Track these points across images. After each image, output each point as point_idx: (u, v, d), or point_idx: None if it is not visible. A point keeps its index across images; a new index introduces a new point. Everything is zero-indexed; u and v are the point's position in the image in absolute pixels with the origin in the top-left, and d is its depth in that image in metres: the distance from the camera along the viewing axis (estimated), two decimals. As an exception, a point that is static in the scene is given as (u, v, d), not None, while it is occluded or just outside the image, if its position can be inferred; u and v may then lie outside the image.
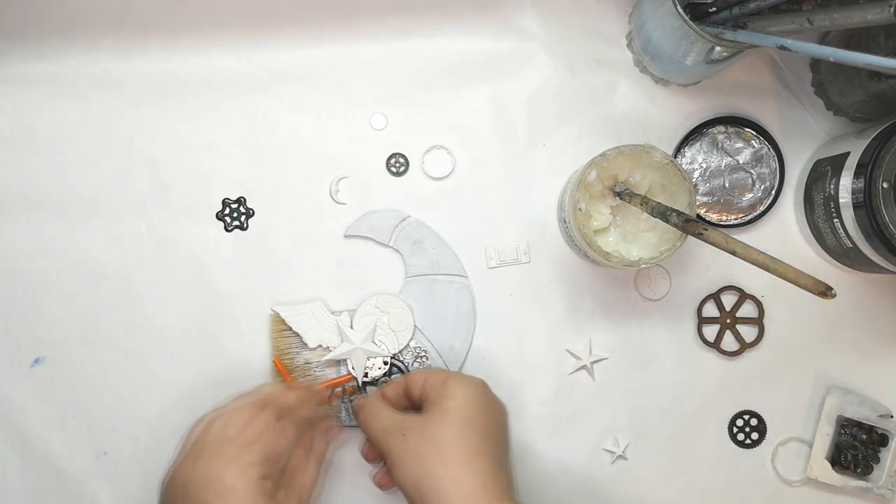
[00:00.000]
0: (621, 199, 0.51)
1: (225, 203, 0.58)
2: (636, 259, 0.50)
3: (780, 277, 0.40)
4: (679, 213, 0.46)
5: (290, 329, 0.57)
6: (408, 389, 0.53)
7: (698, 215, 0.57)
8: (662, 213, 0.47)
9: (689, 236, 0.49)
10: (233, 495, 0.45)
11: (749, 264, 0.57)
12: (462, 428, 0.48)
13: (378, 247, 0.58)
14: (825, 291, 0.38)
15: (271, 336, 0.57)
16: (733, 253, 0.43)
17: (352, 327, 0.57)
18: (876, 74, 0.50)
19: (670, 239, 0.50)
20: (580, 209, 0.50)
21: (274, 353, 0.57)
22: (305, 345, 0.57)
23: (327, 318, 0.57)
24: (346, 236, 0.58)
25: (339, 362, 0.57)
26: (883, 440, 0.57)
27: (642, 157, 0.50)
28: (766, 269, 0.41)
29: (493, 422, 0.51)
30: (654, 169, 0.51)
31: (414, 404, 0.53)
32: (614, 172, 0.51)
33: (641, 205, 0.48)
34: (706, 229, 0.44)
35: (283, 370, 0.56)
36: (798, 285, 0.40)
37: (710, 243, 0.44)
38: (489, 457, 0.48)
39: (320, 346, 0.57)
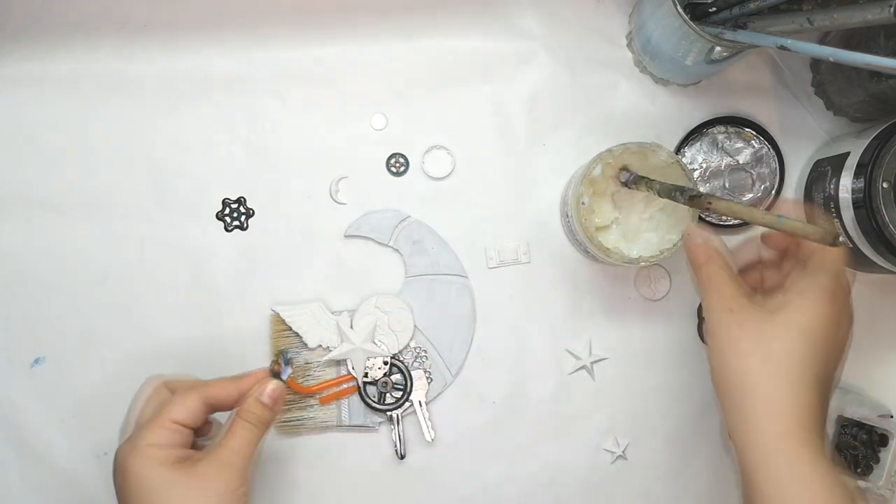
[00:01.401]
0: (627, 187, 0.51)
1: (225, 203, 0.58)
2: (636, 257, 0.50)
3: (789, 233, 0.41)
4: (684, 191, 0.46)
5: (290, 329, 0.57)
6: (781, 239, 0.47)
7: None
8: (668, 192, 0.47)
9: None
10: (145, 482, 0.45)
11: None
12: (802, 352, 0.42)
13: (378, 247, 0.58)
14: (834, 240, 0.39)
15: (271, 336, 0.57)
16: (740, 217, 0.43)
17: (352, 327, 0.57)
18: (876, 74, 0.51)
19: (671, 239, 0.50)
20: (583, 203, 0.51)
21: (274, 354, 0.57)
22: (305, 345, 0.57)
23: (327, 318, 0.57)
24: (346, 236, 0.58)
25: (339, 362, 0.57)
26: (883, 440, 0.57)
27: (648, 156, 0.50)
28: (773, 227, 0.41)
29: (837, 350, 0.44)
30: (658, 168, 0.50)
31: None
32: (619, 169, 0.51)
33: (647, 188, 0.48)
34: (711, 202, 0.44)
35: (292, 383, 0.56)
36: (808, 238, 0.40)
37: (717, 212, 0.44)
38: (815, 391, 0.42)
39: (320, 346, 0.57)
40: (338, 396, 0.57)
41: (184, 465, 0.46)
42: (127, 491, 0.46)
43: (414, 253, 0.58)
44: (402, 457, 0.57)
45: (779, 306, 0.43)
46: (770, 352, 0.42)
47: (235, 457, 0.46)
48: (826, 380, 0.43)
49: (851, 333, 0.45)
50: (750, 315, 0.43)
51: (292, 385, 0.55)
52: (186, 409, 0.47)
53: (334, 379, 0.57)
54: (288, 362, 0.51)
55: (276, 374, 0.50)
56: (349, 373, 0.57)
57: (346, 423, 0.57)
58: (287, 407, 0.56)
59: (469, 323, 0.58)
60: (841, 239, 0.40)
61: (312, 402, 0.57)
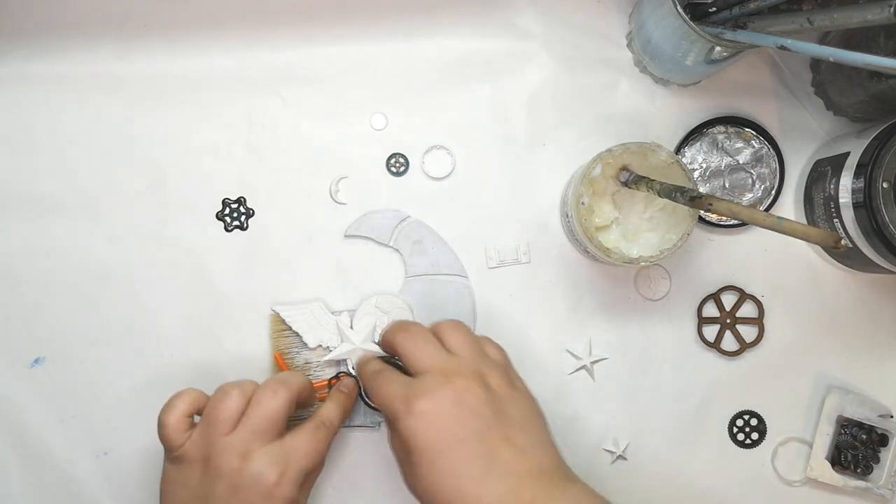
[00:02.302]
0: (627, 186, 0.51)
1: (225, 203, 0.58)
2: (636, 257, 0.50)
3: (790, 235, 0.41)
4: (685, 191, 0.46)
5: (290, 329, 0.57)
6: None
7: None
8: (669, 192, 0.47)
9: (690, 236, 0.50)
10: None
11: (747, 265, 0.58)
12: (440, 449, 0.46)
13: (378, 247, 0.58)
14: (836, 242, 0.39)
15: (271, 336, 0.57)
16: (741, 219, 0.43)
17: (352, 327, 0.57)
18: (876, 74, 0.50)
19: (671, 239, 0.50)
20: (583, 203, 0.51)
21: (274, 353, 0.57)
22: (305, 345, 0.57)
23: (327, 318, 0.57)
24: (346, 236, 0.58)
25: (338, 362, 0.57)
26: (883, 440, 0.57)
27: (648, 156, 0.50)
28: (774, 229, 0.41)
29: (473, 426, 0.47)
30: (658, 168, 0.50)
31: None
32: (619, 169, 0.51)
33: (648, 188, 0.48)
34: (711, 203, 0.44)
35: (283, 365, 0.56)
36: (809, 240, 0.41)
37: (718, 213, 0.44)
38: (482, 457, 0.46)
39: (320, 345, 0.57)
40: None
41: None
42: None
43: (414, 253, 0.58)
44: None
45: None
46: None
47: (311, 481, 0.51)
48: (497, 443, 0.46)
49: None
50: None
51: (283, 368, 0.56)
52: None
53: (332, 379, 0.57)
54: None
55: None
56: (348, 372, 0.56)
57: (346, 423, 0.57)
58: None
59: (469, 323, 0.58)
60: (843, 242, 0.40)
61: (314, 400, 0.56)
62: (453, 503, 0.45)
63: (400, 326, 0.52)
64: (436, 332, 0.51)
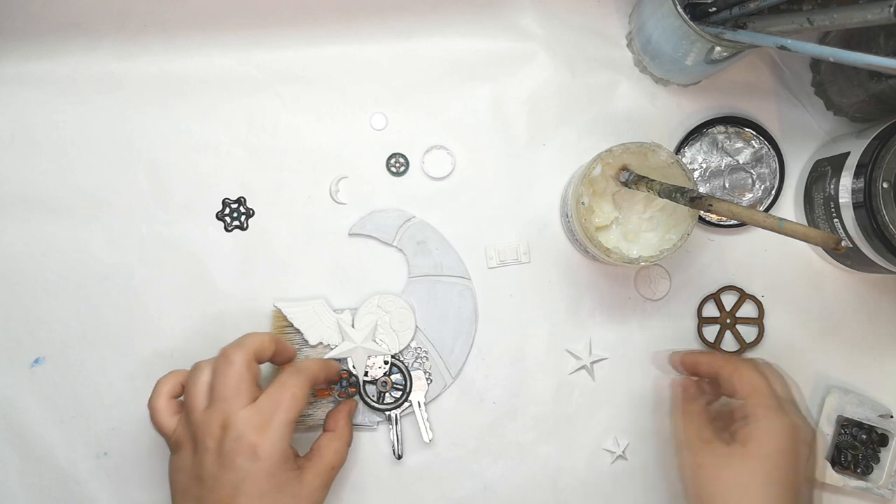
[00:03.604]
0: (627, 186, 0.51)
1: (225, 203, 0.58)
2: (636, 257, 0.50)
3: (790, 237, 0.41)
4: (685, 192, 0.46)
5: (292, 325, 0.57)
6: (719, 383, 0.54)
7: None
8: (669, 193, 0.47)
9: (690, 236, 0.50)
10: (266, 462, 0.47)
11: (747, 265, 0.58)
12: (765, 479, 0.49)
13: (379, 247, 0.58)
14: (837, 244, 0.39)
15: (272, 331, 0.57)
16: (741, 220, 0.44)
17: (353, 326, 0.57)
18: (876, 74, 0.50)
19: (671, 239, 0.50)
20: (583, 203, 0.51)
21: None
22: (306, 342, 0.57)
23: (329, 315, 0.57)
24: (350, 234, 0.58)
25: (339, 360, 0.57)
26: (883, 440, 0.57)
27: (648, 156, 0.50)
28: (775, 230, 0.41)
29: (799, 472, 0.50)
30: (658, 168, 0.50)
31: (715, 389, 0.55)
32: (619, 169, 0.51)
33: (647, 188, 0.48)
34: (712, 204, 0.44)
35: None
36: (809, 242, 0.41)
37: (719, 214, 0.44)
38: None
39: (321, 343, 0.57)
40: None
41: (296, 463, 0.50)
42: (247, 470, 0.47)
43: (418, 253, 0.58)
44: (400, 457, 0.57)
45: (745, 438, 0.50)
46: (741, 474, 0.49)
47: (333, 473, 0.52)
48: (795, 496, 0.49)
49: (815, 456, 0.53)
50: (720, 445, 0.51)
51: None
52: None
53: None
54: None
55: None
56: (349, 370, 0.56)
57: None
58: None
59: (470, 326, 0.58)
60: (843, 243, 0.40)
61: (311, 398, 0.56)
62: None
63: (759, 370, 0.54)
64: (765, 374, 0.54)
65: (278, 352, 0.52)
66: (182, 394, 0.51)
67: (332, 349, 0.56)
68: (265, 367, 0.54)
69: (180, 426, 0.49)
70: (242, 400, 0.48)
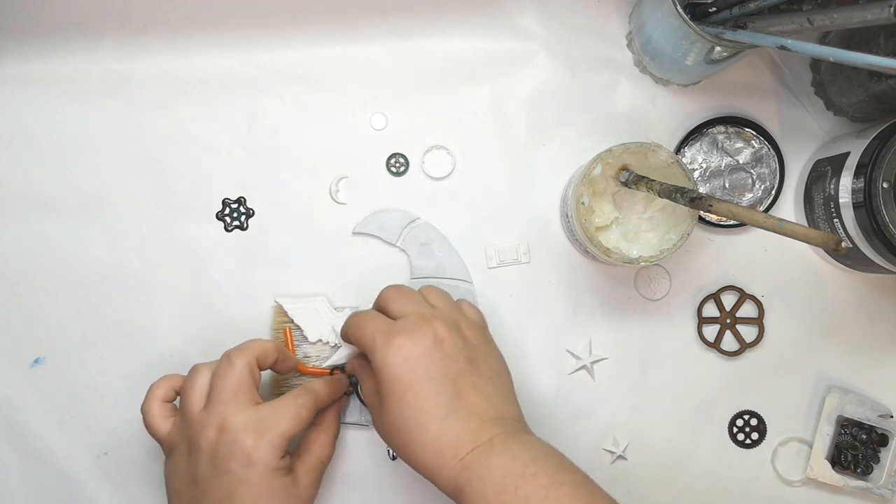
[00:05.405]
0: (627, 186, 0.51)
1: (225, 203, 0.58)
2: (636, 257, 0.50)
3: (790, 237, 0.41)
4: (685, 192, 0.46)
5: (292, 321, 0.57)
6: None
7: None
8: (669, 193, 0.47)
9: (690, 236, 0.50)
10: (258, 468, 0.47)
11: (747, 265, 0.58)
12: (409, 395, 0.46)
13: (380, 248, 0.58)
14: (837, 245, 0.39)
15: (272, 327, 0.57)
16: (741, 220, 0.44)
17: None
18: (876, 74, 0.50)
19: (671, 239, 0.50)
20: (583, 203, 0.51)
21: (284, 329, 0.57)
22: (306, 338, 0.57)
23: (329, 313, 0.57)
24: (354, 233, 0.58)
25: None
26: (883, 440, 0.57)
27: (648, 156, 0.50)
28: (775, 230, 0.41)
29: (445, 368, 0.48)
30: (658, 168, 0.50)
31: None
32: (618, 169, 0.51)
33: (647, 188, 0.48)
34: (712, 204, 0.44)
35: (290, 342, 0.56)
36: (809, 242, 0.41)
37: (719, 214, 0.44)
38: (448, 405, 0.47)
39: (320, 340, 0.57)
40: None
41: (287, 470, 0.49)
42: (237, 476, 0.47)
43: (421, 254, 0.58)
44: (395, 457, 0.57)
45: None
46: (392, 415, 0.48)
47: (323, 468, 0.52)
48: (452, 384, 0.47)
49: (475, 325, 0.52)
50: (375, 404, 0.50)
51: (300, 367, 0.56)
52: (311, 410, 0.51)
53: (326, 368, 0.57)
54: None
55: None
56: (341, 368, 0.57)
57: (341, 421, 0.56)
58: None
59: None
60: (843, 244, 0.40)
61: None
62: (414, 436, 0.46)
63: (389, 285, 0.53)
64: (420, 292, 0.53)
65: (280, 360, 0.52)
66: (175, 398, 0.51)
67: (331, 346, 0.56)
68: (265, 375, 0.54)
69: (175, 429, 0.50)
70: (241, 404, 0.48)
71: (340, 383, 0.55)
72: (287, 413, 0.49)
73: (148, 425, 0.51)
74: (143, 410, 0.51)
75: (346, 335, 0.52)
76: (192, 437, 0.48)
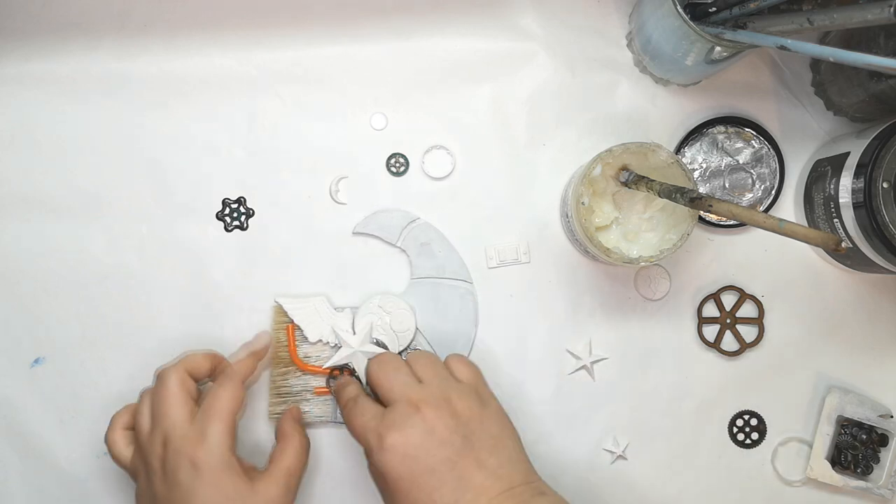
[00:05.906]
0: (627, 186, 0.51)
1: (225, 203, 0.58)
2: (636, 257, 0.50)
3: (790, 237, 0.41)
4: (685, 192, 0.46)
5: (292, 321, 0.57)
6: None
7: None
8: (669, 193, 0.47)
9: (690, 236, 0.50)
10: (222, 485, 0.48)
11: (747, 265, 0.58)
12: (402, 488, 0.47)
13: (380, 248, 0.58)
14: (837, 245, 0.39)
15: (272, 327, 0.57)
16: (742, 220, 0.44)
17: (352, 326, 0.56)
18: (876, 74, 0.50)
19: (671, 239, 0.50)
20: (583, 203, 0.51)
21: (273, 345, 0.57)
22: (306, 338, 0.57)
23: (330, 313, 0.57)
24: (354, 233, 0.58)
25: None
26: (883, 440, 0.57)
27: (648, 156, 0.50)
28: (775, 231, 0.41)
29: (443, 455, 0.48)
30: (658, 168, 0.50)
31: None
32: (618, 169, 0.51)
33: (647, 188, 0.48)
34: (712, 204, 0.44)
35: (293, 341, 0.56)
36: (809, 242, 0.41)
37: (719, 214, 0.44)
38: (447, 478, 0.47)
39: (320, 340, 0.57)
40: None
41: (248, 475, 0.49)
42: (192, 488, 0.47)
43: (421, 254, 0.58)
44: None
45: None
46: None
47: (292, 479, 0.51)
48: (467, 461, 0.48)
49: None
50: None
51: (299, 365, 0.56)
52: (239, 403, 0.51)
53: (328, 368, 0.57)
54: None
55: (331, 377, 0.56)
56: (350, 369, 0.56)
57: (341, 420, 0.56)
58: (283, 399, 0.56)
59: (471, 329, 0.58)
60: (843, 244, 0.40)
61: (308, 395, 0.57)
62: None
63: (375, 357, 0.53)
64: (408, 362, 0.52)
65: (218, 369, 0.53)
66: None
67: (331, 346, 0.56)
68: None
69: (134, 455, 0.50)
70: (179, 417, 0.48)
71: (256, 346, 0.55)
72: (214, 408, 0.49)
73: (112, 454, 0.52)
74: (106, 440, 0.52)
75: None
76: (144, 458, 0.49)
